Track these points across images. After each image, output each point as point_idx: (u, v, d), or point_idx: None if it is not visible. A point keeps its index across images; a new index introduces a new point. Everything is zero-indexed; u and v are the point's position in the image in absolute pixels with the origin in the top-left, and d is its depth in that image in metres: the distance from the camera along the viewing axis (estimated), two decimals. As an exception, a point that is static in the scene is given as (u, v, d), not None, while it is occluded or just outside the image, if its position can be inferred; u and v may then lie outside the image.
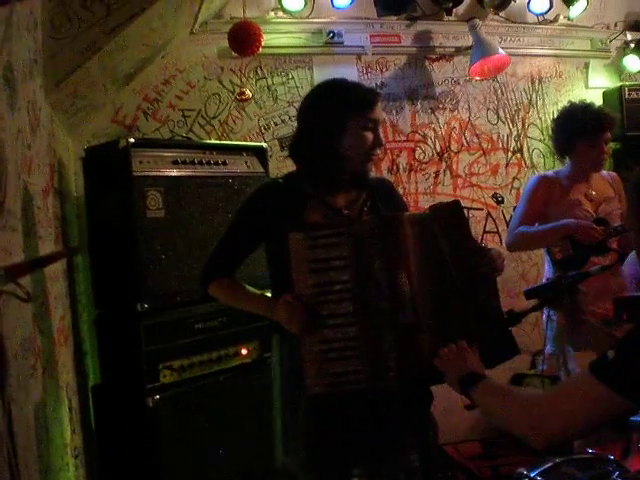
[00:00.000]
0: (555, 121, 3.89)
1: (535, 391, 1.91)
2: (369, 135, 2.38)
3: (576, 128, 3.67)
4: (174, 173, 3.42)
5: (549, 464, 2.50)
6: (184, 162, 3.47)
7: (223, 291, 2.55)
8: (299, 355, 2.20)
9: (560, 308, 2.32)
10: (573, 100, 4.19)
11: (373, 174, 2.58)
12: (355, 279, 2.19)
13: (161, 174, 3.36)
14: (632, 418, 2.34)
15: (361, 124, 2.37)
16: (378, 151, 2.44)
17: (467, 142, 5.17)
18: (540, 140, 5.35)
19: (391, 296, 2.19)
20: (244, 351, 3.58)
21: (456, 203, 2.38)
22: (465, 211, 4.98)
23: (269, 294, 2.52)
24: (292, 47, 4.67)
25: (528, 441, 1.67)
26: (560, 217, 3.64)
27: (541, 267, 5.19)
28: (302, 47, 4.69)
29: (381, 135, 2.44)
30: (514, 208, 5.15)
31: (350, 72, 4.70)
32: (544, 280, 3.88)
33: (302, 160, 2.49)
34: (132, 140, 3.28)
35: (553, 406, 1.61)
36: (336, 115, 2.36)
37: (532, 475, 2.42)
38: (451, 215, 2.34)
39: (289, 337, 2.30)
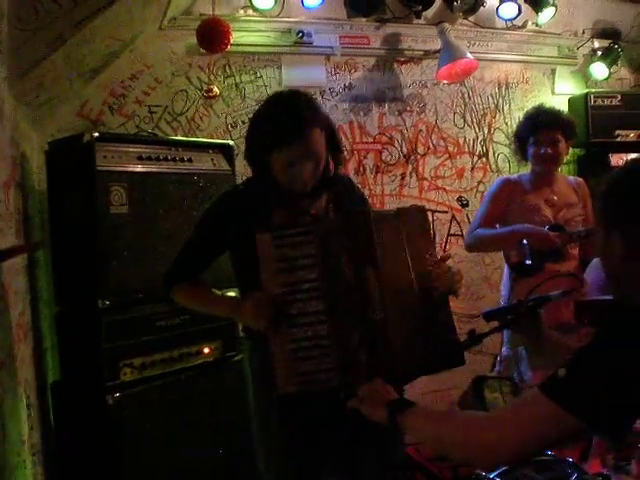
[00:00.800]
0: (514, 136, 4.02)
1: (475, 412, 1.85)
2: (293, 171, 2.30)
3: (525, 129, 3.81)
4: (139, 169, 3.38)
5: (509, 465, 2.52)
6: (149, 158, 3.44)
7: (186, 295, 2.54)
8: (268, 356, 2.19)
9: (521, 331, 2.32)
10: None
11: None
12: (323, 277, 2.18)
13: (125, 169, 3.32)
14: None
15: (284, 160, 2.29)
16: (308, 179, 2.34)
17: (433, 145, 5.20)
18: (506, 145, 5.40)
19: (360, 292, 2.19)
20: (206, 350, 3.56)
21: (421, 207, 2.40)
22: (430, 214, 5.02)
23: (231, 294, 2.51)
24: (261, 46, 4.65)
25: (474, 464, 1.65)
26: (518, 221, 3.69)
27: (504, 270, 5.25)
28: (271, 46, 4.68)
29: (309, 166, 2.31)
30: (479, 211, 5.20)
31: (319, 72, 4.70)
32: (504, 283, 3.91)
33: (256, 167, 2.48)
34: (96, 134, 3.23)
35: (503, 427, 1.57)
36: (260, 148, 2.35)
37: (491, 477, 2.43)
38: (415, 217, 2.35)
39: (261, 343, 2.29)
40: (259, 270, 2.19)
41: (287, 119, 2.26)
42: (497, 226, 3.79)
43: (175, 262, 2.56)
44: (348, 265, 2.19)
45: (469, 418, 1.76)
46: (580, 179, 3.99)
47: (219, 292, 2.51)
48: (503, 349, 3.78)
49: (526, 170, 3.97)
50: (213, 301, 2.53)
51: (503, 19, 5.11)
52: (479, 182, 5.32)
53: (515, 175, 4.04)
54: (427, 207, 4.89)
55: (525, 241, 3.57)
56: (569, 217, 3.79)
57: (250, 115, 4.40)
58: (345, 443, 2.42)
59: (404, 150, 5.11)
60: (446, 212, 5.22)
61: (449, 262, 2.37)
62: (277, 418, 2.38)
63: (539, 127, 3.75)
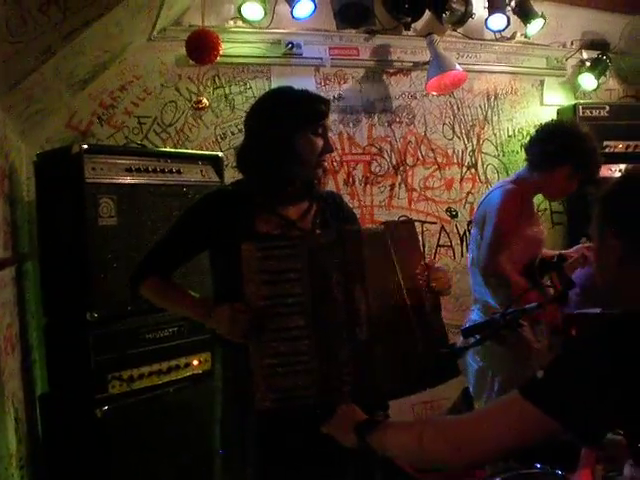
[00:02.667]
0: (549, 133, 3.54)
1: (449, 415, 1.87)
2: (319, 141, 2.38)
3: (572, 153, 3.41)
4: (128, 181, 3.38)
5: (497, 478, 2.51)
6: (138, 170, 3.43)
7: (156, 291, 2.46)
8: (244, 371, 2.16)
9: (503, 343, 2.33)
10: (527, 118, 4.23)
11: (324, 187, 2.56)
12: (309, 292, 2.16)
13: (114, 181, 3.31)
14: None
15: (311, 132, 2.37)
16: (326, 156, 2.43)
17: (422, 156, 5.21)
18: (494, 156, 5.42)
19: (347, 310, 2.17)
20: (195, 362, 3.55)
21: (409, 221, 2.40)
22: (419, 225, 5.03)
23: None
24: (250, 57, 4.66)
25: (448, 464, 1.65)
26: (523, 238, 3.47)
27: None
28: (260, 57, 4.68)
29: (330, 141, 2.44)
30: (468, 223, 5.22)
31: (308, 83, 4.70)
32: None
33: (251, 170, 2.46)
34: (85, 146, 3.23)
35: (479, 427, 1.59)
36: (287, 127, 2.35)
37: (480, 490, 2.43)
38: (404, 232, 2.35)
39: (234, 352, 2.27)
40: (242, 280, 2.15)
41: (314, 94, 2.46)
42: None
43: (150, 254, 2.50)
44: (336, 282, 2.17)
45: (444, 421, 1.82)
46: None
47: (194, 294, 2.46)
48: (472, 363, 3.58)
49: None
50: (184, 301, 2.44)
51: (492, 30, 5.13)
52: (468, 193, 5.33)
53: (512, 184, 3.56)
54: (416, 218, 4.97)
55: None
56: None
57: (240, 126, 4.46)
58: (322, 464, 2.36)
59: (393, 161, 5.12)
60: (435, 223, 5.23)
61: None
62: (253, 434, 2.34)
63: (591, 170, 3.48)
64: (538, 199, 5.32)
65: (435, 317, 2.33)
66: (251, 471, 2.35)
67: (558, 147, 3.42)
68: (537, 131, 3.63)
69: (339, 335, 2.16)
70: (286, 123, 2.36)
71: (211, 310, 2.28)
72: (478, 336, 2.33)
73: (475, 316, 3.64)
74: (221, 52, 4.19)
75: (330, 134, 2.47)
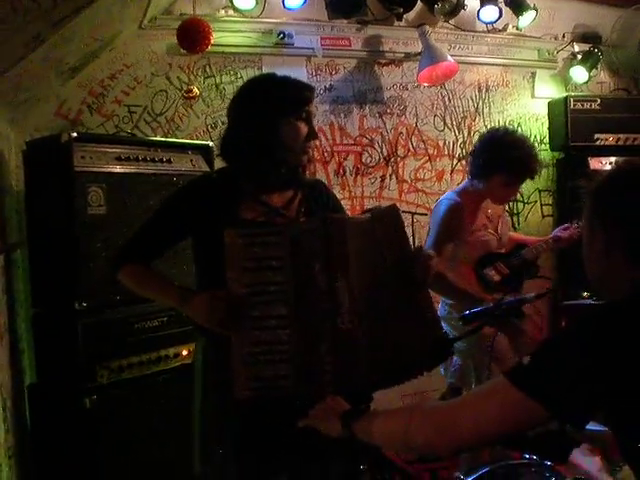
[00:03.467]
0: (483, 143, 3.76)
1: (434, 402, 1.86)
2: (303, 128, 2.38)
3: (508, 165, 3.59)
4: (117, 169, 3.36)
5: (485, 469, 2.52)
6: (128, 159, 3.42)
7: (134, 276, 2.45)
8: (225, 361, 2.14)
9: (503, 330, 2.35)
10: (518, 110, 4.23)
11: (311, 175, 2.56)
12: (291, 281, 2.14)
13: (104, 170, 3.30)
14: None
15: (295, 117, 2.37)
16: (311, 143, 2.43)
17: (413, 147, 5.20)
18: (486, 148, 5.40)
19: (330, 300, 2.14)
20: (184, 352, 3.54)
21: (395, 208, 2.38)
22: (410, 216, 5.03)
23: None
24: (242, 46, 4.63)
25: (433, 449, 1.65)
26: (468, 244, 3.68)
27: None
28: (252, 47, 4.66)
29: (314, 127, 2.43)
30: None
31: (299, 73, 4.68)
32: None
33: (235, 158, 2.45)
34: (74, 134, 3.22)
35: (464, 410, 1.60)
36: (270, 113, 2.35)
37: None
38: (390, 220, 2.34)
39: (215, 341, 2.26)
40: (225, 266, 2.13)
41: (299, 81, 2.46)
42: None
43: (131, 240, 2.50)
44: (320, 271, 2.14)
45: (431, 405, 1.79)
46: None
47: (173, 282, 2.44)
48: (454, 359, 3.72)
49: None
50: (162, 289, 2.44)
51: (484, 22, 5.12)
52: (459, 185, 5.31)
53: (455, 195, 3.80)
54: (407, 209, 4.96)
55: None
56: (505, 231, 3.88)
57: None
58: (302, 454, 2.36)
59: (384, 152, 5.11)
60: (425, 214, 5.21)
61: None
62: (232, 424, 2.33)
63: (524, 175, 3.66)
64: (528, 191, 5.37)
65: (425, 302, 2.32)
66: (230, 460, 2.35)
67: (489, 158, 3.60)
68: (475, 143, 3.86)
69: (321, 324, 2.14)
70: (270, 109, 2.35)
71: (189, 298, 2.28)
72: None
73: (441, 311, 3.79)
74: (212, 41, 4.17)
75: (321, 124, 2.48)
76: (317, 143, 2.50)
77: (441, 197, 3.96)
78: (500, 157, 3.56)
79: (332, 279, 2.15)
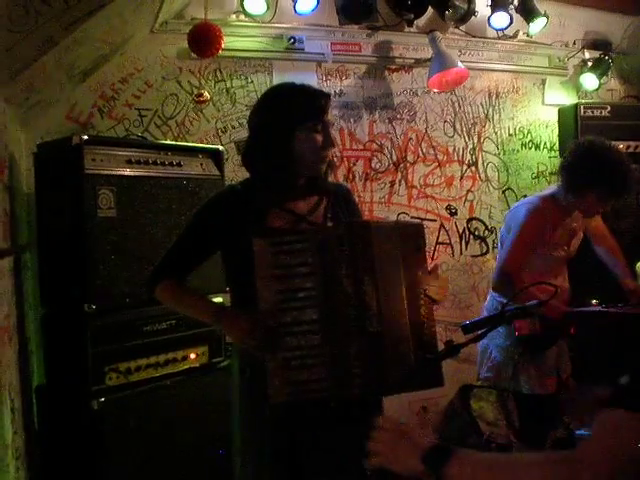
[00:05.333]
0: (583, 156, 3.57)
1: (532, 453, 1.59)
2: (318, 137, 2.36)
3: (603, 185, 3.46)
4: (127, 172, 3.37)
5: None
6: (138, 162, 3.43)
7: (170, 295, 2.49)
8: (260, 365, 2.17)
9: None
10: (529, 117, 4.21)
11: (331, 180, 2.57)
12: (320, 286, 2.17)
13: (114, 173, 3.31)
14: (578, 432, 2.36)
15: (310, 128, 2.36)
16: (329, 152, 2.42)
17: (423, 153, 5.20)
18: (495, 154, 5.41)
19: (358, 303, 2.17)
20: (193, 355, 3.55)
21: (420, 225, 2.41)
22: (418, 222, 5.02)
23: (217, 299, 2.49)
24: (252, 51, 4.65)
25: None
26: (536, 254, 3.60)
27: (491, 280, 5.26)
28: (262, 51, 4.67)
29: (332, 135, 2.42)
30: (467, 220, 5.23)
31: (310, 79, 4.69)
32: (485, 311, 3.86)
33: (256, 167, 2.46)
34: (85, 137, 3.22)
35: (595, 454, 1.35)
36: (286, 122, 2.35)
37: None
38: (412, 233, 2.36)
39: (249, 351, 2.28)
40: (254, 275, 2.16)
41: (315, 89, 2.45)
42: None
43: (164, 258, 2.52)
44: (346, 276, 2.17)
45: (540, 457, 1.48)
46: None
47: (207, 298, 2.48)
48: (493, 354, 3.74)
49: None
50: (197, 306, 2.49)
51: (494, 29, 5.13)
52: (468, 191, 5.33)
53: (541, 200, 3.70)
54: (415, 215, 4.96)
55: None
56: (577, 243, 3.80)
57: (241, 120, 4.46)
58: (334, 458, 2.36)
59: (394, 158, 5.11)
60: (435, 220, 5.23)
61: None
62: (268, 430, 2.34)
63: (618, 195, 3.51)
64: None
65: (427, 322, 2.33)
66: (265, 469, 2.36)
67: (588, 175, 3.46)
68: (569, 153, 3.65)
69: (350, 328, 2.16)
70: (283, 119, 2.36)
71: (222, 316, 2.34)
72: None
73: (488, 306, 3.85)
74: (223, 46, 4.18)
75: (331, 129, 2.46)
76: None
77: (523, 200, 3.94)
78: (600, 176, 3.43)
79: (359, 282, 2.17)
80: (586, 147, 3.61)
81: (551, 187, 3.89)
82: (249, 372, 2.38)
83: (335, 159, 4.84)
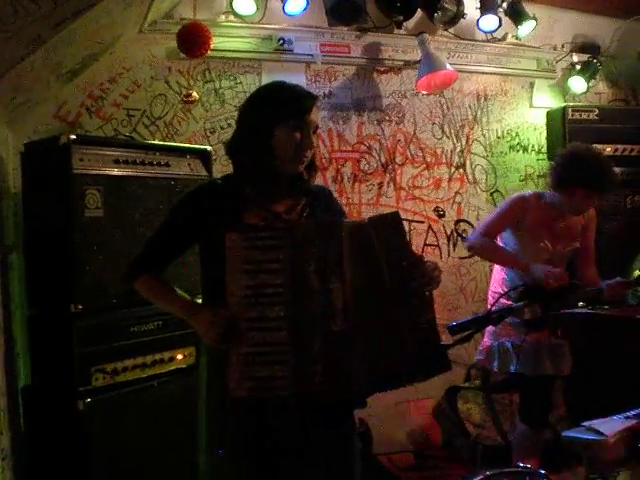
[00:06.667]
0: (564, 157, 3.86)
1: None
2: (296, 135, 2.36)
3: (588, 180, 3.69)
4: (115, 172, 3.36)
5: (480, 477, 2.52)
6: (126, 162, 3.42)
7: (149, 288, 2.50)
8: (225, 363, 2.16)
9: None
10: (517, 120, 4.26)
11: (315, 182, 2.57)
12: (289, 283, 2.16)
13: (102, 173, 3.30)
14: (565, 434, 2.37)
15: (291, 125, 2.35)
16: (308, 152, 2.40)
17: (411, 155, 5.21)
18: (483, 156, 5.43)
19: (324, 302, 2.16)
20: (180, 356, 3.54)
21: (395, 214, 2.38)
22: (407, 223, 5.03)
23: (199, 300, 2.49)
24: (241, 52, 4.64)
25: None
26: (522, 237, 3.84)
27: (479, 281, 5.29)
28: (251, 52, 4.67)
29: (312, 138, 2.40)
30: (455, 222, 5.24)
31: (299, 80, 4.69)
32: (495, 287, 3.94)
33: (238, 160, 2.46)
34: (73, 137, 3.21)
35: None
36: (268, 118, 2.35)
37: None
38: (390, 226, 2.34)
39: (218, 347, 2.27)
40: (225, 270, 2.16)
41: (302, 89, 2.45)
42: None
43: (143, 250, 2.51)
44: (314, 274, 2.16)
45: None
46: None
47: (186, 295, 2.48)
48: (486, 339, 3.91)
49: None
50: (173, 301, 2.48)
51: (483, 31, 5.14)
52: (456, 193, 5.33)
53: (529, 193, 4.05)
54: (404, 217, 4.96)
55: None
56: (566, 253, 3.91)
57: (230, 121, 4.46)
58: (295, 457, 2.36)
59: (382, 159, 5.12)
60: (423, 222, 5.23)
61: None
62: (230, 425, 2.34)
63: (604, 190, 3.77)
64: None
65: (423, 311, 2.32)
66: (229, 462, 2.35)
67: (576, 172, 3.71)
68: (558, 155, 3.92)
69: (314, 326, 2.16)
70: (265, 113, 2.36)
71: (194, 312, 2.34)
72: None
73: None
74: (212, 46, 4.19)
75: (319, 131, 2.46)
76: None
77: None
78: (583, 174, 3.69)
79: (326, 280, 2.17)
80: (573, 148, 3.94)
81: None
82: (215, 366, 2.37)
83: (324, 160, 4.85)
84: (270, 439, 2.32)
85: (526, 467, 2.62)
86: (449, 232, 5.31)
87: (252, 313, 2.16)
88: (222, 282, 2.17)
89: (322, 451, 2.35)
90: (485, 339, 3.92)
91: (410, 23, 5.05)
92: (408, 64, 5.13)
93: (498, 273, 3.96)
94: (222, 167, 4.22)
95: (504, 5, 5.05)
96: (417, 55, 5.02)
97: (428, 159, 5.26)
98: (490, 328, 3.79)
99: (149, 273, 2.49)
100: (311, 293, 2.17)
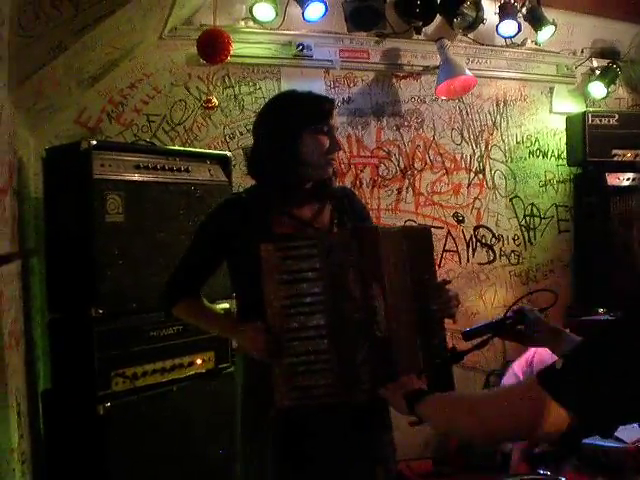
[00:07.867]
0: None
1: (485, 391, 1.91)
2: (324, 139, 2.37)
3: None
4: (135, 178, 3.38)
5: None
6: (146, 167, 3.44)
7: (188, 312, 2.53)
8: (266, 379, 2.17)
9: (506, 339, 2.36)
10: (536, 125, 4.23)
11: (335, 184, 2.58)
12: (327, 291, 2.16)
13: (122, 178, 3.31)
14: (585, 441, 2.35)
15: (316, 131, 2.37)
16: (335, 155, 2.44)
17: (430, 161, 5.20)
18: (502, 162, 5.41)
19: (365, 308, 2.17)
20: (199, 361, 3.55)
21: (427, 229, 2.40)
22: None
23: (223, 305, 2.49)
24: (261, 57, 4.66)
25: (475, 441, 1.66)
26: None
27: (499, 287, 5.27)
28: (271, 58, 4.69)
29: (337, 139, 2.44)
30: (474, 228, 5.23)
31: (318, 86, 4.70)
32: None
33: (263, 172, 2.46)
34: (94, 142, 3.23)
35: (499, 403, 1.61)
36: (291, 127, 2.36)
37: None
38: (420, 239, 2.35)
39: (257, 361, 2.28)
40: (261, 281, 2.16)
41: (318, 94, 2.50)
42: None
43: (176, 274, 2.53)
44: (353, 281, 2.17)
45: (475, 395, 1.93)
46: None
47: (218, 308, 2.50)
48: None
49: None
50: (214, 322, 2.55)
51: (503, 37, 5.12)
52: (475, 198, 5.32)
53: None
54: (422, 222, 4.95)
55: None
56: None
57: (249, 127, 4.46)
58: (338, 462, 2.36)
59: (401, 165, 5.11)
60: (442, 228, 5.22)
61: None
62: (271, 436, 2.34)
63: None
64: (545, 206, 5.36)
65: (436, 332, 2.33)
66: (267, 469, 2.36)
67: None
68: None
69: (357, 333, 2.16)
70: (290, 123, 2.37)
71: (237, 330, 2.37)
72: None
73: None
74: (231, 52, 4.19)
75: (338, 136, 2.48)
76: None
77: None
78: None
79: (366, 287, 2.17)
80: None
81: None
82: (255, 374, 2.38)
83: (342, 166, 4.85)
84: (309, 444, 2.33)
85: (545, 474, 2.61)
86: (468, 238, 5.29)
87: (292, 323, 2.17)
88: (258, 292, 2.17)
89: (360, 452, 2.37)
90: None
91: (429, 28, 5.05)
92: (427, 69, 5.12)
93: None
94: (241, 172, 4.23)
95: (523, 10, 5.03)
96: (436, 60, 5.01)
97: (447, 164, 5.25)
98: None
99: (186, 298, 2.50)
100: (352, 300, 2.17)
